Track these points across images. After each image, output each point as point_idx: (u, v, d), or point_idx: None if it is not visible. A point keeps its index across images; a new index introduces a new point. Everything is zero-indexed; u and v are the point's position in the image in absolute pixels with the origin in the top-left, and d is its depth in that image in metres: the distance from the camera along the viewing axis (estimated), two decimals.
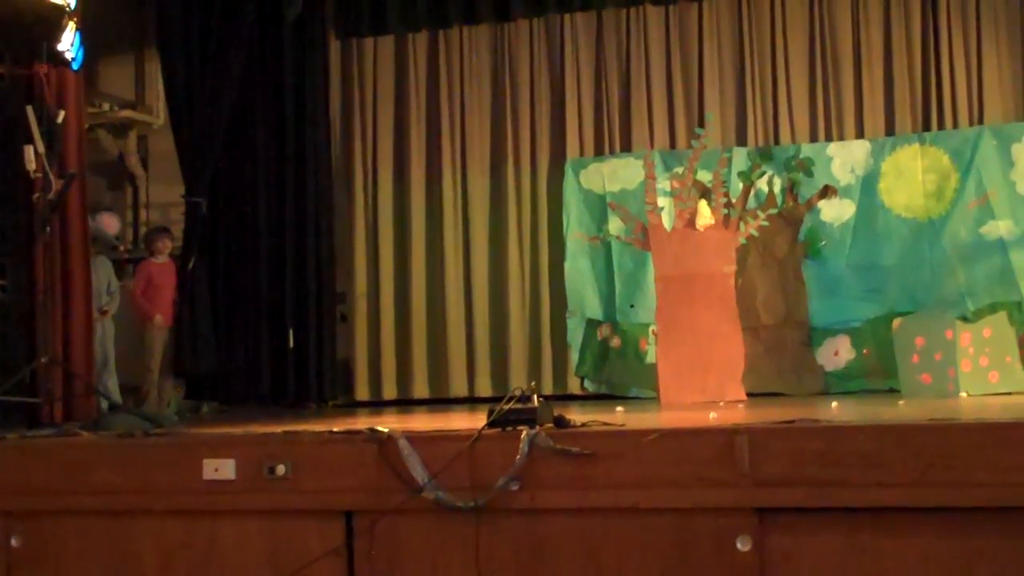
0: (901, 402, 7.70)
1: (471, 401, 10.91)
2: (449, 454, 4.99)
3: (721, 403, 8.32)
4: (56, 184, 7.45)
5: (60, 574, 5.58)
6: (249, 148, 11.22)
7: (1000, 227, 9.88)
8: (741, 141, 10.86)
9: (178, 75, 10.90)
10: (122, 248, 11.84)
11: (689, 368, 8.79)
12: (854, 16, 10.84)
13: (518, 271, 11.30)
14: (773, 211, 10.30)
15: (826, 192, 10.33)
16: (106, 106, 11.90)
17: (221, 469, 5.32)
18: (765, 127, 10.93)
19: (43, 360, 7.27)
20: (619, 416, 6.17)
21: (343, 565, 5.18)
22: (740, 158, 10.50)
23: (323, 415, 9.12)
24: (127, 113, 12.10)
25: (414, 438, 5.11)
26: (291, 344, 10.92)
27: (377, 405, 11.20)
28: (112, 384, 10.11)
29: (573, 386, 10.92)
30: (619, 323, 10.66)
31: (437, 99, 11.62)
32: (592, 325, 10.78)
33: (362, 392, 11.47)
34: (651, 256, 9.32)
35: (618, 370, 10.63)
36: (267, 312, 11.03)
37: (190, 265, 10.62)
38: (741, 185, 10.36)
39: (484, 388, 11.16)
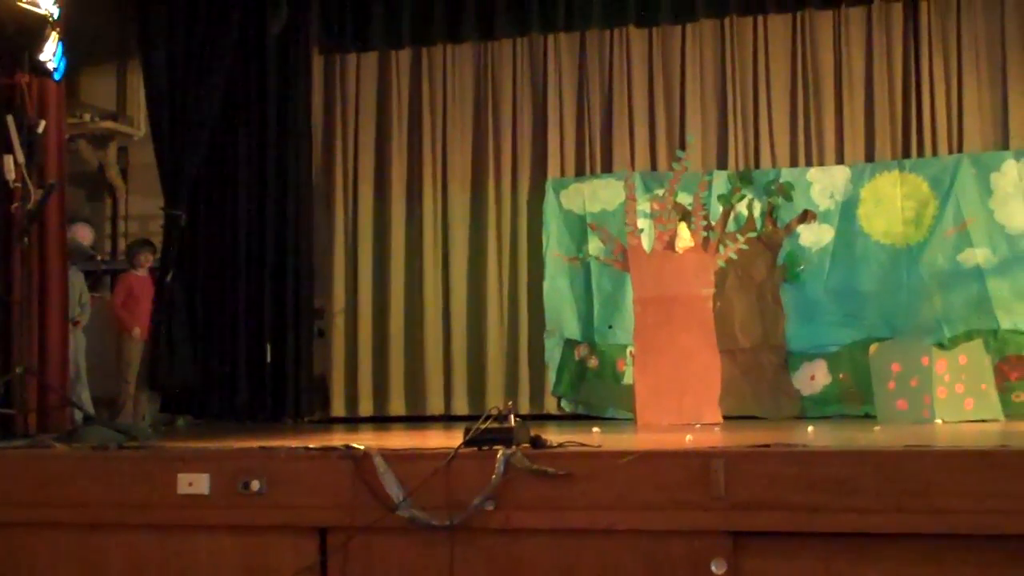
0: (877, 428, 7.71)
1: (448, 419, 10.89)
2: (425, 472, 4.98)
3: (697, 425, 8.32)
4: (35, 194, 7.43)
5: None
6: (230, 162, 11.18)
7: (977, 255, 9.93)
8: (722, 164, 10.90)
9: (160, 87, 10.87)
10: (98, 258, 11.79)
11: (666, 390, 8.79)
12: (836, 42, 10.89)
13: (497, 290, 11.30)
14: (752, 235, 10.32)
15: (805, 217, 10.36)
16: (87, 117, 11.88)
17: (195, 483, 5.30)
18: (746, 151, 10.97)
19: (18, 370, 7.23)
20: (595, 437, 6.16)
21: None
22: (720, 181, 10.52)
23: (299, 431, 9.08)
24: (108, 124, 12.09)
25: (390, 456, 5.10)
26: (268, 359, 10.88)
27: (353, 422, 11.17)
28: (85, 396, 10.06)
29: (550, 406, 10.91)
30: (597, 344, 10.66)
31: (419, 116, 11.63)
32: (570, 345, 10.78)
33: (338, 408, 11.43)
34: (630, 277, 9.33)
35: (595, 391, 10.62)
36: (244, 326, 10.99)
37: (168, 278, 10.57)
38: (721, 208, 10.37)
39: (461, 406, 11.14)
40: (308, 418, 11.12)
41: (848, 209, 10.31)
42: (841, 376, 10.08)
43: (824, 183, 10.41)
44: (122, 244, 12.27)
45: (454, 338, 11.31)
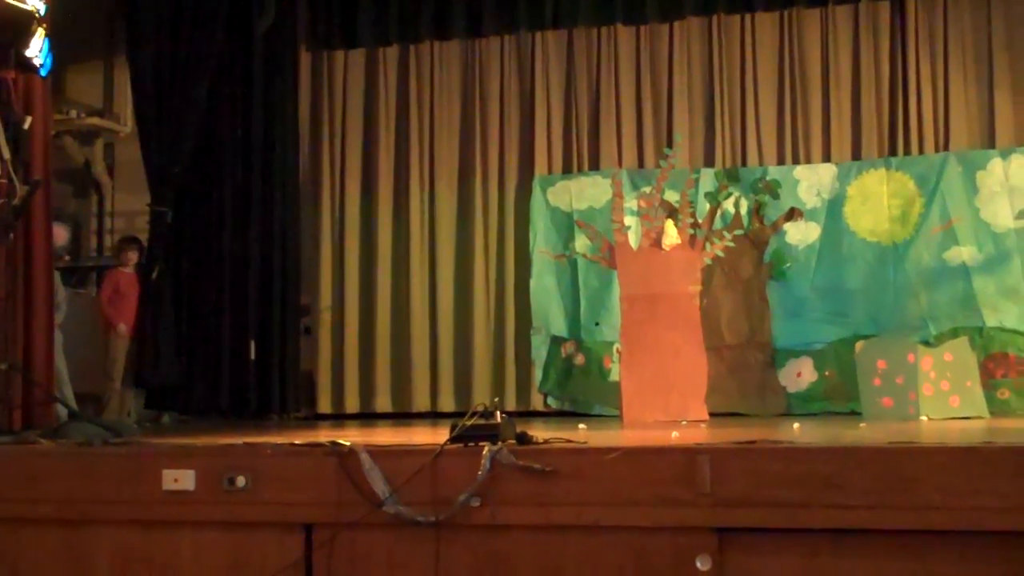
0: (862, 424, 7.72)
1: (434, 416, 10.89)
2: (411, 469, 4.97)
3: (683, 422, 8.33)
4: (20, 190, 7.40)
5: None
6: (216, 159, 11.16)
7: (963, 253, 9.97)
8: (709, 162, 10.92)
9: (146, 84, 10.84)
10: (66, 258, 11.72)
11: (652, 387, 8.80)
12: (823, 41, 10.92)
13: (483, 287, 11.30)
14: (739, 232, 10.35)
15: (792, 214, 10.39)
16: (73, 113, 11.84)
17: (181, 480, 5.28)
18: (733, 149, 10.98)
19: (3, 366, 7.20)
20: (581, 434, 6.16)
21: None
22: (707, 179, 10.56)
23: (285, 427, 9.07)
24: (94, 121, 12.05)
25: (376, 452, 5.09)
26: (252, 356, 10.86)
27: (339, 418, 11.16)
28: (67, 393, 10.02)
29: (536, 403, 10.92)
30: (583, 341, 10.68)
31: (407, 113, 11.63)
32: (556, 342, 10.79)
33: (325, 405, 11.43)
34: (617, 274, 9.34)
35: (582, 387, 10.64)
36: (230, 323, 10.97)
37: (154, 275, 10.55)
38: (708, 206, 10.41)
39: (447, 403, 11.15)
40: (294, 415, 11.12)
41: (835, 207, 10.35)
42: (827, 373, 10.11)
43: (811, 181, 10.45)
44: (108, 241, 12.23)
45: (441, 335, 11.31)
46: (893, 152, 10.63)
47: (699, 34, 11.19)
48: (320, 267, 11.62)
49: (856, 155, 10.71)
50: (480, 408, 5.18)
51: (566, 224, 10.87)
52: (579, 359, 10.69)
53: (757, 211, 10.47)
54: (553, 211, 10.93)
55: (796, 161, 10.76)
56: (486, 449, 4.93)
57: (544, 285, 10.86)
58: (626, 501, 4.80)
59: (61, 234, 11.51)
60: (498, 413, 5.15)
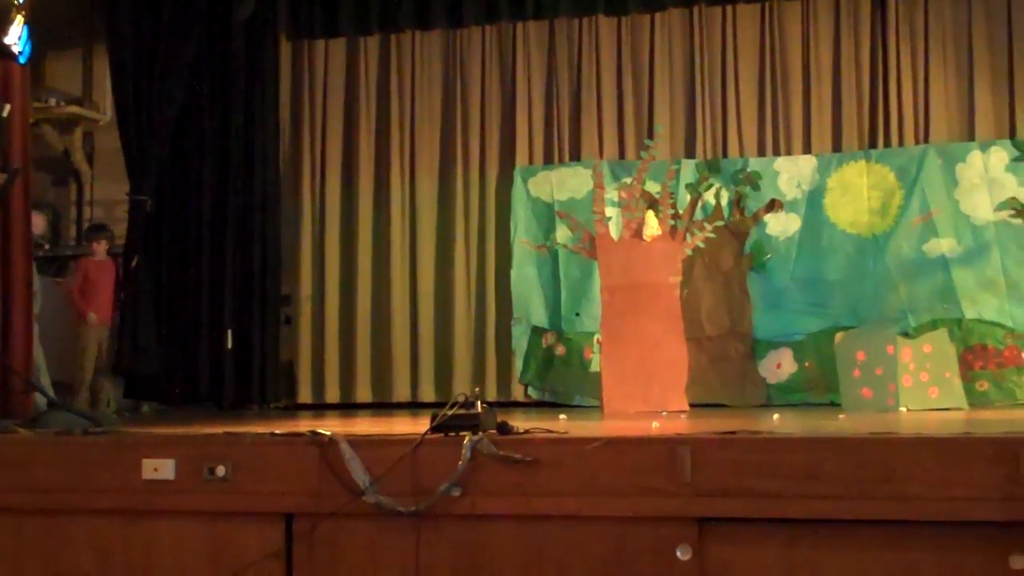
0: (841, 415, 7.75)
1: (414, 406, 10.87)
2: (391, 458, 4.97)
3: (664, 413, 8.34)
4: None
5: None
6: (196, 147, 11.11)
7: (943, 245, 10.00)
8: (690, 153, 10.92)
9: (126, 72, 10.79)
10: (46, 247, 11.67)
11: (633, 377, 8.82)
12: (804, 33, 10.93)
13: (464, 277, 11.29)
14: (720, 223, 10.37)
15: (772, 206, 10.41)
16: (52, 101, 11.77)
17: (160, 469, 5.27)
18: (714, 140, 10.99)
19: None
20: (562, 424, 6.17)
21: (282, 568, 5.15)
22: (688, 170, 10.56)
23: (265, 417, 9.06)
24: (74, 109, 11.98)
25: (356, 442, 5.09)
26: (228, 345, 10.82)
27: (320, 408, 11.15)
28: (45, 382, 9.98)
29: (517, 393, 10.92)
30: (564, 331, 10.68)
31: (387, 103, 11.60)
32: (537, 333, 10.79)
33: (305, 395, 11.41)
34: (597, 265, 9.34)
35: (562, 378, 10.64)
36: (210, 313, 10.94)
37: (133, 264, 10.51)
38: (689, 197, 10.42)
39: (428, 393, 11.13)
40: (274, 404, 11.10)
41: (815, 198, 10.37)
42: (807, 364, 10.14)
43: (791, 172, 10.47)
44: None
45: (421, 325, 11.30)
46: (873, 144, 10.66)
47: (680, 26, 11.18)
48: (300, 257, 11.59)
49: (836, 147, 10.73)
50: (461, 398, 5.18)
51: (547, 215, 10.86)
52: (560, 350, 10.69)
53: (738, 202, 10.49)
54: (534, 202, 10.93)
55: (777, 153, 10.77)
56: (467, 439, 4.93)
57: (525, 276, 10.85)
58: (607, 491, 4.81)
59: (39, 223, 11.45)
60: (479, 403, 5.15)
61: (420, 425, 5.35)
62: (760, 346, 10.33)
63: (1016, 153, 10.00)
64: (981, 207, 10.02)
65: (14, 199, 8.00)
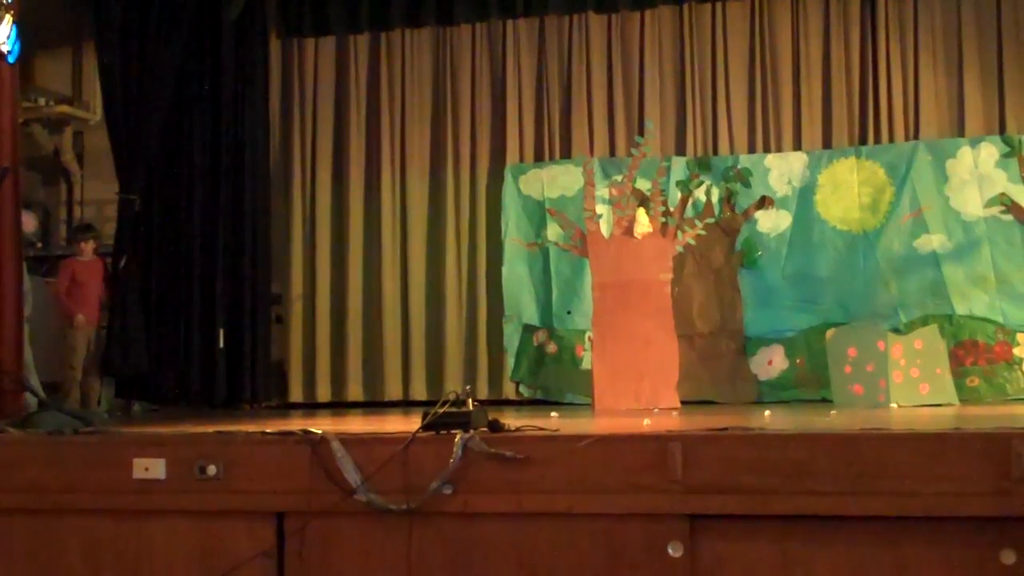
0: (833, 412, 7.76)
1: (406, 404, 10.88)
2: (382, 457, 4.97)
3: (655, 410, 8.35)
4: None
5: None
6: (186, 146, 11.08)
7: (933, 241, 10.01)
8: (680, 150, 10.92)
9: (115, 71, 10.74)
10: (38, 245, 11.65)
11: (624, 375, 8.82)
12: (794, 30, 10.94)
13: (455, 275, 11.29)
14: (710, 220, 10.37)
15: (763, 203, 10.41)
16: (42, 101, 11.75)
17: (151, 468, 5.27)
18: (704, 137, 11.00)
19: None
20: (553, 421, 6.16)
21: (273, 567, 5.15)
22: (679, 167, 10.56)
23: (256, 416, 9.05)
24: (63, 108, 11.95)
25: (347, 440, 5.09)
26: (220, 345, 10.80)
27: (311, 407, 11.14)
28: (34, 383, 9.96)
29: (508, 391, 10.91)
30: (555, 329, 10.68)
31: (378, 101, 11.59)
32: (528, 330, 10.78)
33: (296, 394, 11.40)
34: (588, 263, 9.35)
35: (553, 376, 10.64)
36: (200, 312, 10.91)
37: (122, 263, 10.48)
38: (679, 194, 10.42)
39: (419, 392, 11.13)
40: (266, 403, 11.08)
41: (805, 195, 10.37)
42: (798, 361, 10.15)
43: (782, 169, 10.47)
44: None
45: (412, 324, 11.29)
46: (863, 141, 10.67)
47: (670, 22, 11.18)
48: (291, 255, 11.58)
49: (827, 143, 10.74)
50: (452, 396, 5.19)
51: (538, 212, 10.85)
52: (551, 347, 10.69)
53: (728, 199, 10.49)
54: (525, 199, 10.91)
55: (767, 149, 10.78)
56: (458, 437, 4.94)
57: (516, 273, 10.84)
58: (598, 488, 4.82)
59: (28, 222, 11.44)
60: (470, 401, 5.16)
61: (411, 423, 5.35)
62: (751, 343, 10.33)
63: (1006, 149, 10.01)
64: (971, 203, 10.02)
65: (4, 199, 7.98)
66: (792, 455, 4.66)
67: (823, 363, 9.41)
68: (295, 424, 6.11)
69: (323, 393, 11.35)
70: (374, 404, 11.05)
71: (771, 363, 10.23)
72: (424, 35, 11.57)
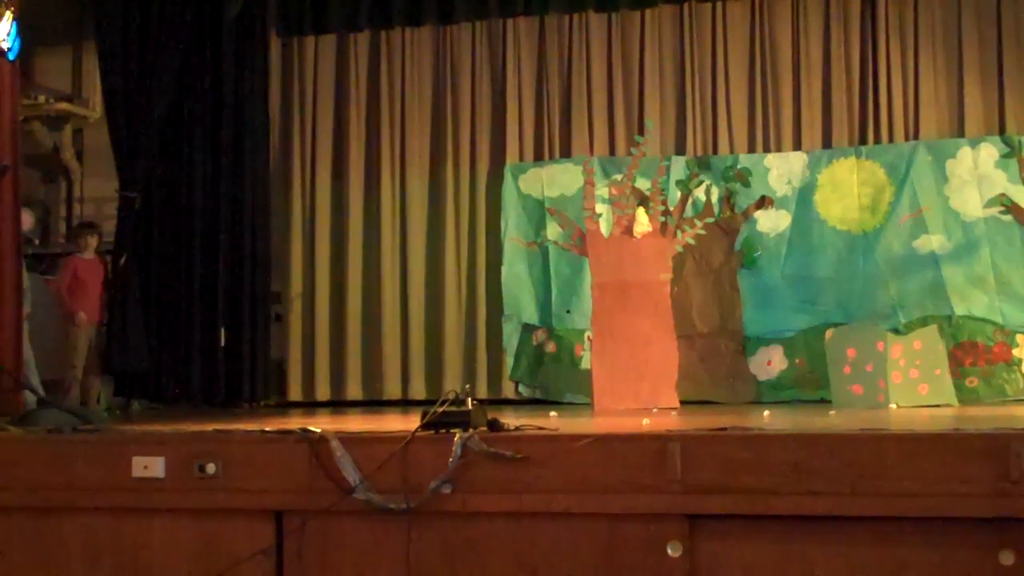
0: (832, 412, 7.76)
1: (405, 403, 10.88)
2: (382, 456, 4.97)
3: (654, 410, 8.35)
4: None
5: None
6: (186, 144, 11.09)
7: (933, 241, 10.01)
8: (680, 150, 10.91)
9: (115, 68, 10.76)
10: (36, 242, 11.64)
11: (623, 374, 8.83)
12: (794, 30, 10.93)
13: (455, 274, 11.28)
14: (710, 220, 10.37)
15: (763, 203, 10.41)
16: (42, 98, 11.75)
17: (150, 467, 5.27)
18: (704, 137, 10.99)
19: None
20: (552, 421, 6.17)
21: (272, 565, 5.15)
22: (679, 167, 10.56)
23: (255, 415, 9.06)
24: (63, 106, 11.96)
25: (347, 439, 5.09)
26: (222, 343, 10.81)
27: (310, 406, 11.13)
28: (35, 381, 9.95)
29: (508, 390, 10.91)
30: (555, 328, 10.67)
31: (377, 100, 11.58)
32: (528, 330, 10.78)
33: (295, 392, 11.39)
34: (588, 262, 9.35)
35: (553, 375, 10.64)
36: (200, 310, 10.92)
37: (122, 261, 10.48)
38: (679, 193, 10.41)
39: (418, 391, 11.13)
40: (265, 402, 11.08)
41: (805, 195, 10.36)
42: (797, 361, 10.14)
43: (781, 169, 10.46)
44: None
45: (412, 323, 11.28)
46: (863, 141, 10.66)
47: (670, 22, 11.17)
48: (291, 254, 11.57)
49: (827, 143, 10.73)
50: (451, 395, 5.19)
51: (537, 212, 10.85)
52: (550, 347, 10.69)
53: (728, 199, 10.49)
54: (524, 199, 10.91)
55: (767, 149, 10.77)
56: (457, 436, 4.94)
57: (515, 273, 10.84)
58: (597, 488, 4.82)
59: (27, 219, 11.42)
60: (469, 400, 5.16)
61: (411, 422, 5.35)
62: (751, 343, 10.32)
63: (1006, 149, 10.01)
64: (971, 203, 10.02)
65: (3, 196, 7.99)
66: (791, 455, 4.66)
67: (822, 363, 9.41)
68: (294, 423, 6.11)
69: (322, 392, 11.34)
70: (373, 403, 11.05)
71: (770, 363, 10.23)
72: (424, 34, 11.56)
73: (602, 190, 10.08)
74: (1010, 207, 9.95)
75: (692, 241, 10.01)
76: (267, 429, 5.43)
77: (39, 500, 5.43)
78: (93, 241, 10.51)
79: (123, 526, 5.35)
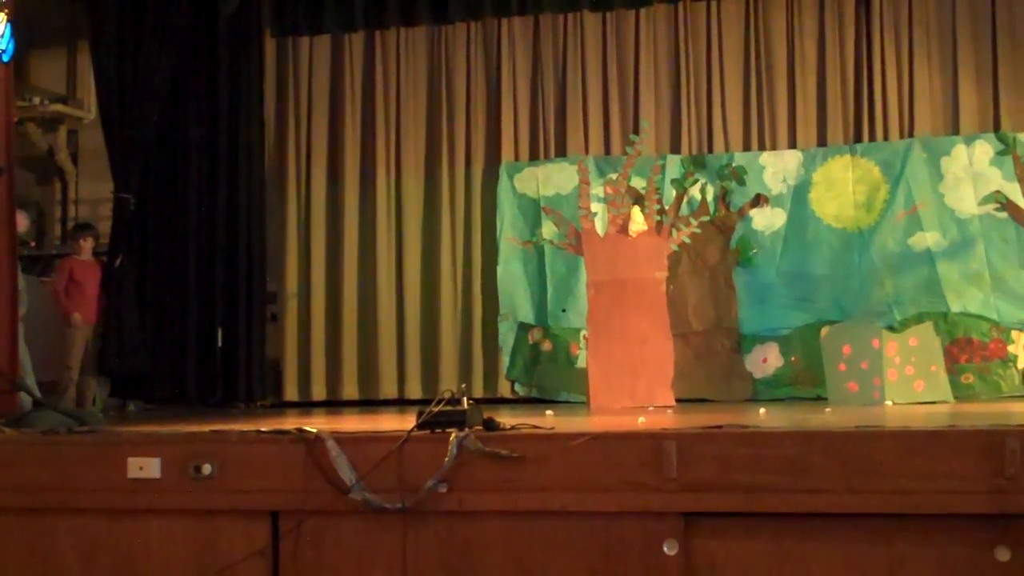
0: (828, 409, 7.77)
1: (401, 403, 10.87)
2: (377, 455, 4.97)
3: (650, 408, 8.35)
4: None
5: None
6: (181, 145, 11.06)
7: (928, 238, 10.03)
8: (675, 149, 10.92)
9: (110, 69, 10.73)
10: (32, 244, 11.63)
11: (619, 373, 8.82)
12: (789, 28, 10.94)
13: (450, 274, 11.28)
14: (705, 218, 10.37)
15: (758, 201, 10.42)
16: (36, 100, 11.74)
17: (146, 468, 5.26)
18: (699, 135, 10.99)
19: None
20: (548, 420, 6.17)
21: (268, 566, 5.15)
22: (674, 165, 10.57)
23: (251, 415, 9.05)
24: (58, 107, 11.95)
25: (342, 439, 5.09)
26: (219, 343, 10.81)
27: (306, 406, 11.12)
28: (31, 382, 9.94)
29: (504, 389, 10.91)
30: (550, 327, 10.68)
31: (372, 100, 11.58)
32: (524, 329, 10.79)
33: (291, 393, 11.39)
34: (583, 261, 9.35)
35: (549, 374, 10.64)
36: (196, 311, 10.90)
37: (117, 262, 10.47)
38: (674, 192, 10.43)
39: (414, 390, 11.12)
40: (260, 402, 11.06)
41: (800, 193, 10.38)
42: (793, 359, 10.15)
43: (776, 167, 10.48)
44: None
45: (407, 322, 11.28)
46: (858, 138, 10.67)
47: (665, 21, 11.18)
48: (286, 254, 11.56)
49: (821, 141, 10.74)
50: (447, 395, 5.18)
51: (533, 211, 10.86)
52: (546, 346, 10.69)
53: (723, 197, 10.50)
54: (520, 198, 10.92)
55: (762, 147, 10.78)
56: (453, 435, 4.94)
57: (511, 272, 10.85)
58: (593, 487, 4.82)
59: (22, 221, 11.40)
60: (465, 400, 5.16)
61: (407, 422, 5.35)
62: (746, 341, 10.34)
63: (1000, 147, 10.03)
64: (966, 201, 10.04)
65: None
66: (787, 453, 4.66)
67: (818, 361, 9.42)
68: (290, 423, 6.10)
69: (318, 392, 11.34)
70: (369, 403, 11.05)
71: (766, 361, 10.24)
72: (419, 33, 11.56)
73: (597, 189, 10.09)
74: (1005, 204, 9.97)
75: (687, 239, 10.01)
76: (263, 429, 5.43)
77: (34, 501, 5.42)
78: (89, 243, 10.50)
79: (119, 527, 5.35)
